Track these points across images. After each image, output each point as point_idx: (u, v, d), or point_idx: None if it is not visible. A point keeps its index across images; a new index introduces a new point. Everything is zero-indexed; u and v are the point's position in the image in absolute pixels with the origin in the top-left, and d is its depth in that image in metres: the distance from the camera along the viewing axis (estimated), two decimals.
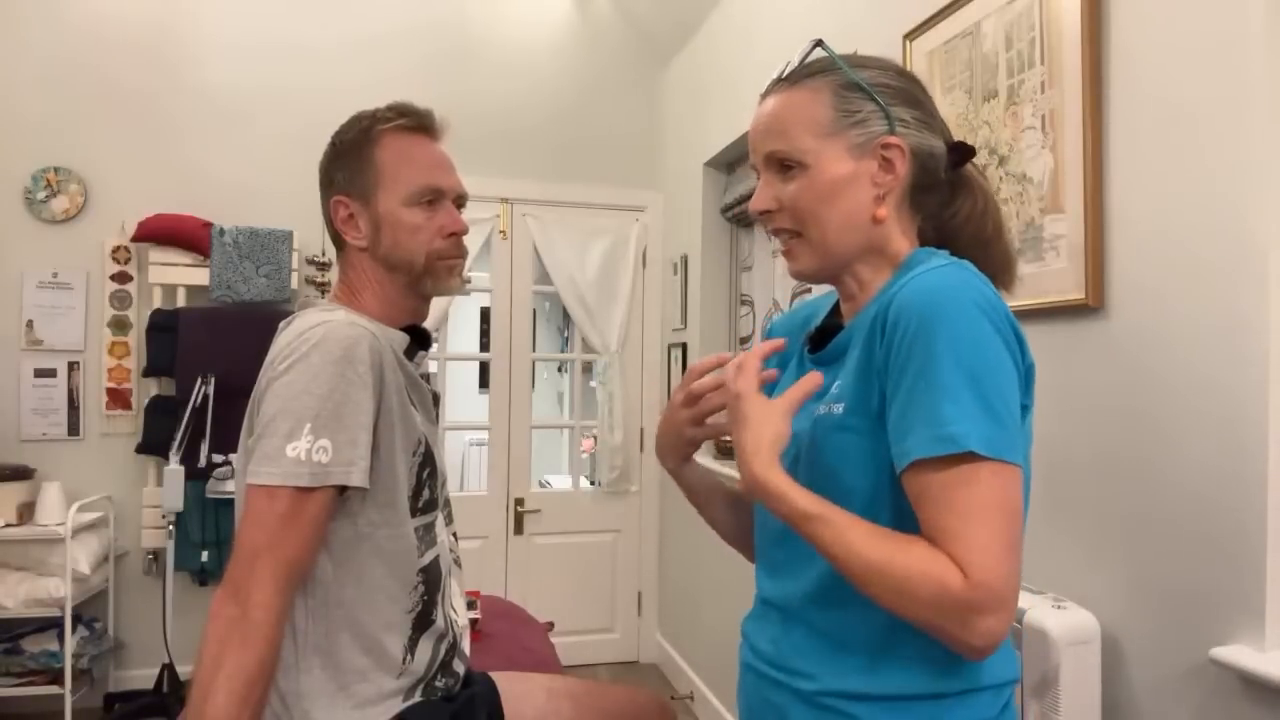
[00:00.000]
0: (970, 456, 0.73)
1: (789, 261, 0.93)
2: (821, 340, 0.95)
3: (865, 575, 0.74)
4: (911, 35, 1.85)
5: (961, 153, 0.92)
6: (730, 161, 3.24)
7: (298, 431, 1.02)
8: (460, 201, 1.25)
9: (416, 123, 1.21)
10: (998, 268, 0.92)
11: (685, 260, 3.46)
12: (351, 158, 1.20)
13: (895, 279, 0.86)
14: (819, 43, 0.90)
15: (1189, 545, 1.17)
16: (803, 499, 0.78)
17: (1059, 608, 1.28)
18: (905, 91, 0.89)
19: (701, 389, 0.96)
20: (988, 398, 0.74)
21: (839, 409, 0.85)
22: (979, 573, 0.70)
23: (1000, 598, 0.71)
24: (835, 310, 0.99)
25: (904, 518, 0.79)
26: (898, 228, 0.90)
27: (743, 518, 1.09)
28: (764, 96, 0.92)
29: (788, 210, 0.89)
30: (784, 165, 0.89)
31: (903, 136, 0.87)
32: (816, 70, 0.89)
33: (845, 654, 0.84)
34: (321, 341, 1.05)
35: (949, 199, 0.93)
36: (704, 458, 3.16)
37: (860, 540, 0.75)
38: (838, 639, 0.85)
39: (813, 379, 0.84)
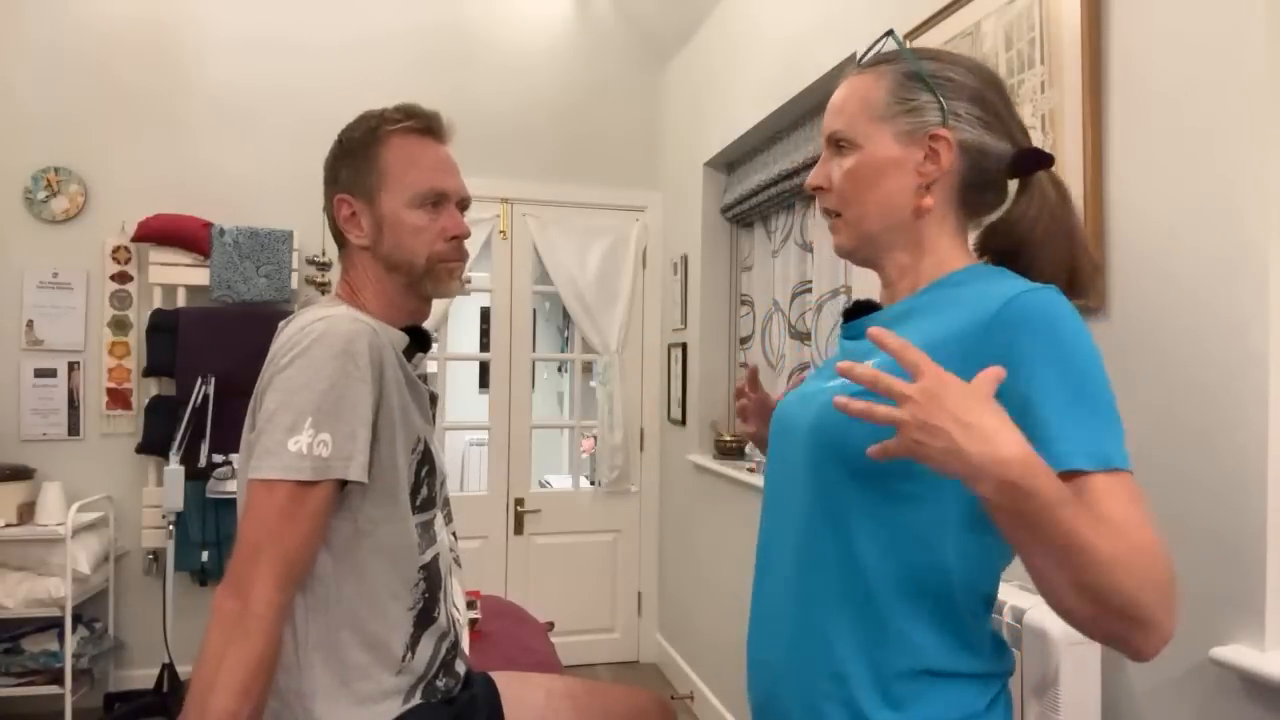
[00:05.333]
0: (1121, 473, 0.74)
1: (833, 236, 0.96)
2: (855, 316, 0.99)
3: (1112, 559, 0.67)
4: (911, 35, 1.85)
5: (1032, 159, 0.91)
6: (730, 161, 3.24)
7: (299, 425, 1.02)
8: (464, 205, 1.25)
9: (423, 125, 1.22)
10: (1050, 276, 0.88)
11: (685, 260, 3.46)
12: (357, 157, 1.20)
13: (958, 284, 0.88)
14: (890, 33, 0.95)
15: (1189, 545, 1.17)
16: (1055, 480, 0.69)
17: None
18: (971, 89, 0.90)
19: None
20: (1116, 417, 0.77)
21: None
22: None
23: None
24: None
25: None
26: (944, 224, 0.92)
27: None
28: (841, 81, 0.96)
29: (835, 189, 0.93)
30: (839, 145, 0.93)
31: (954, 130, 0.88)
32: (886, 58, 0.93)
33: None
34: (322, 336, 1.05)
35: (1010, 202, 0.93)
36: (704, 458, 3.16)
37: (1094, 522, 0.69)
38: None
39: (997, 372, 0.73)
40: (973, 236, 0.96)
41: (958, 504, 0.82)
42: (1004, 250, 0.92)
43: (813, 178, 0.96)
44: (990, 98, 0.90)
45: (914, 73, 0.90)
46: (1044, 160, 0.91)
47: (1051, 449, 0.73)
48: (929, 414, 0.68)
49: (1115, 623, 0.70)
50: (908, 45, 0.93)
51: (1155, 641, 0.70)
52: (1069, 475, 0.73)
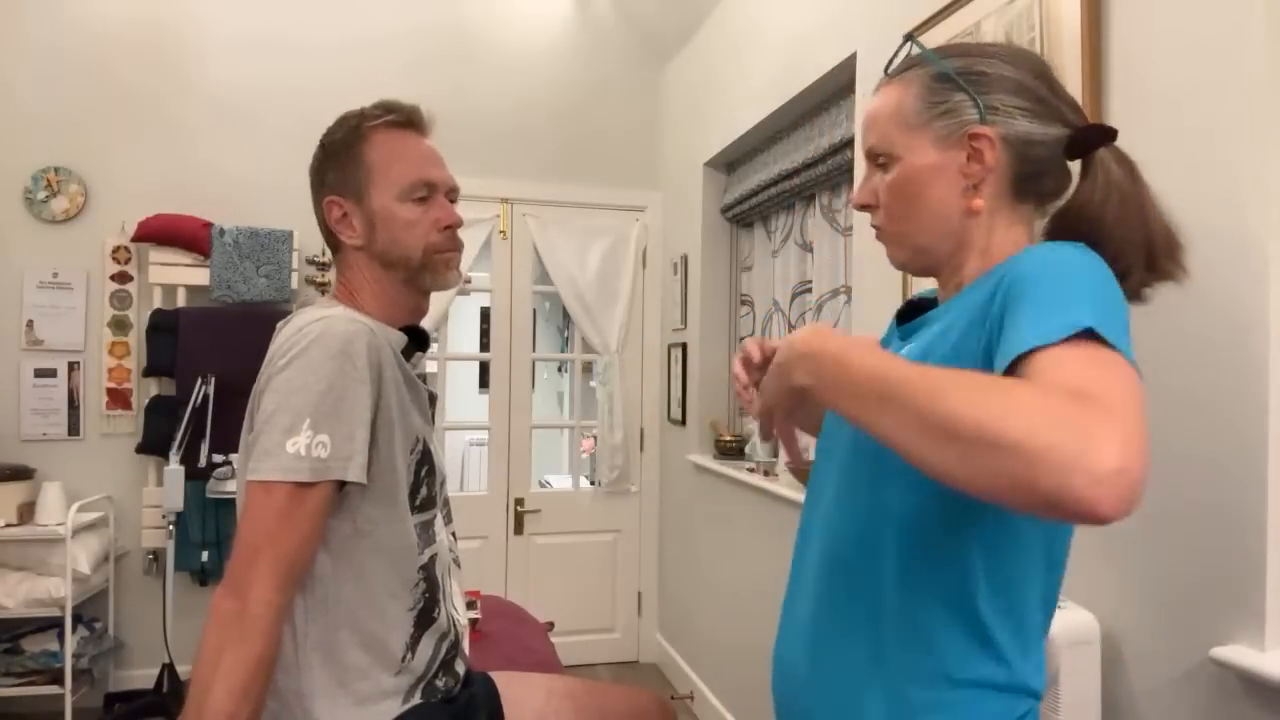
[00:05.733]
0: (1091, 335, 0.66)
1: (886, 249, 0.94)
2: (911, 315, 0.97)
3: (950, 383, 0.64)
4: (911, 36, 1.84)
5: (1089, 137, 0.85)
6: (730, 161, 3.24)
7: (298, 426, 1.02)
8: (453, 195, 1.25)
9: (404, 119, 1.22)
10: (1129, 259, 0.83)
11: (685, 260, 3.46)
12: (342, 158, 1.20)
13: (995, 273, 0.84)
14: (909, 37, 0.93)
15: (1189, 545, 1.17)
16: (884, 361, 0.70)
17: (1059, 608, 1.28)
18: (1008, 79, 0.85)
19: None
20: (1115, 310, 0.71)
21: None
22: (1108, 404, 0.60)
23: (1132, 427, 0.58)
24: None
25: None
26: (1000, 219, 0.87)
27: None
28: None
29: (882, 205, 0.91)
30: (878, 160, 0.91)
31: (994, 125, 0.84)
32: (914, 63, 0.90)
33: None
34: (320, 337, 1.05)
35: (1072, 185, 0.88)
36: (704, 458, 3.16)
37: (913, 364, 0.69)
38: None
39: None
40: (1040, 225, 0.92)
41: (984, 508, 0.79)
42: (1072, 239, 0.86)
43: (858, 196, 0.95)
44: (1030, 84, 0.85)
45: (942, 73, 0.86)
46: (1103, 136, 0.85)
47: (1001, 347, 0.71)
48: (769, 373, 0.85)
49: (992, 458, 0.59)
50: (931, 46, 0.90)
51: (1073, 477, 0.56)
52: (1023, 360, 0.67)
